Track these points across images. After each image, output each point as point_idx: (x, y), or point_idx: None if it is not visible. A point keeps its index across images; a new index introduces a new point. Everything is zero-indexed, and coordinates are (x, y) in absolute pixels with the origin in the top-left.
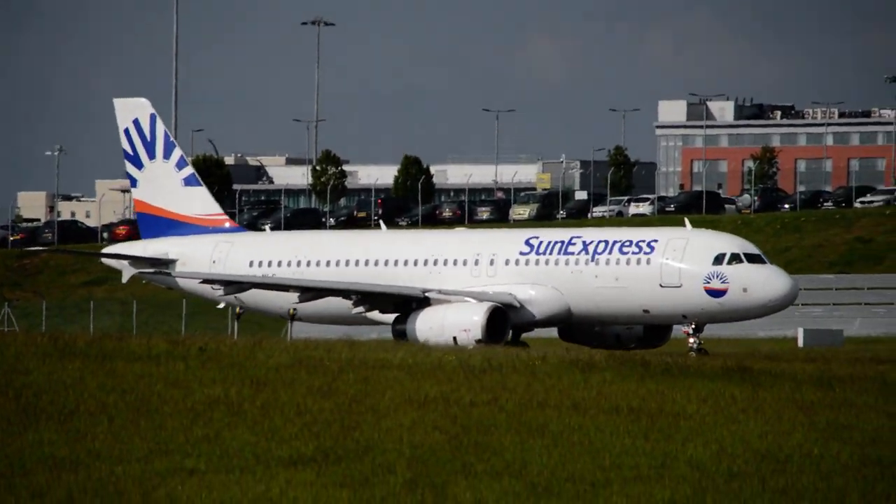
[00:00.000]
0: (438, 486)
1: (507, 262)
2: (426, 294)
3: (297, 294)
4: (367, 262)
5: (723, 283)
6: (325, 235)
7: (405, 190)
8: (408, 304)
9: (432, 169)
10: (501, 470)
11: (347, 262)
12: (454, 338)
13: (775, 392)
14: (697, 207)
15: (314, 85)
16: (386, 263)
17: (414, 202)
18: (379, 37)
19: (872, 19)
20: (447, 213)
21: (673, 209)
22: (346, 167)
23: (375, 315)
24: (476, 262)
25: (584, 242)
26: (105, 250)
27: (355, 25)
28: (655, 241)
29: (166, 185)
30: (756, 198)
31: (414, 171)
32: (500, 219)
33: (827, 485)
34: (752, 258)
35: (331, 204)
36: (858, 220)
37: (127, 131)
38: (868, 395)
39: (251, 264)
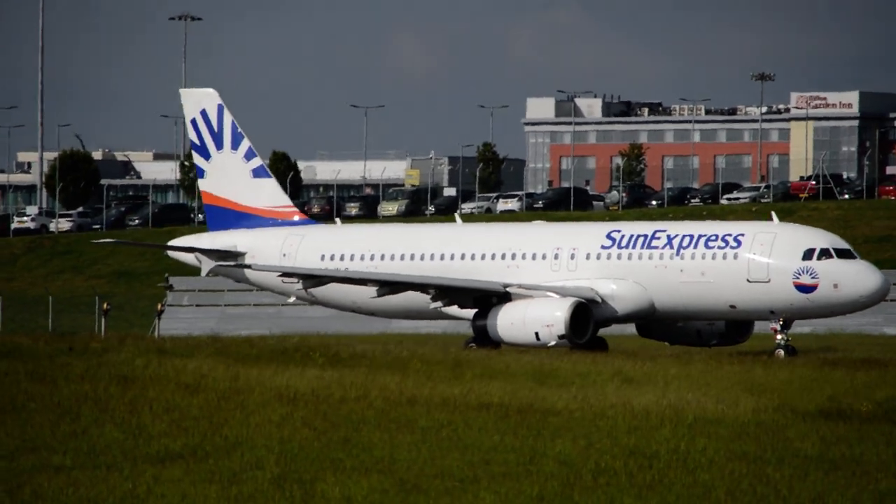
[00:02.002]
0: (307, 482)
1: (588, 257)
2: (507, 289)
3: (375, 288)
4: (442, 256)
5: (813, 278)
6: (399, 228)
7: None
8: (488, 298)
9: (301, 165)
10: (370, 466)
11: (423, 256)
12: (536, 333)
13: (646, 389)
14: (566, 204)
15: (181, 80)
16: (462, 257)
17: None
18: (247, 32)
19: (739, 18)
20: (315, 209)
21: (541, 206)
22: None
23: (454, 310)
24: (556, 256)
25: (668, 236)
26: (172, 242)
27: (223, 21)
28: (742, 234)
29: (234, 176)
30: (624, 194)
31: (282, 166)
32: (369, 214)
33: (693, 479)
34: (841, 253)
35: (198, 199)
36: (725, 216)
37: (194, 121)
38: (733, 391)
39: (322, 258)
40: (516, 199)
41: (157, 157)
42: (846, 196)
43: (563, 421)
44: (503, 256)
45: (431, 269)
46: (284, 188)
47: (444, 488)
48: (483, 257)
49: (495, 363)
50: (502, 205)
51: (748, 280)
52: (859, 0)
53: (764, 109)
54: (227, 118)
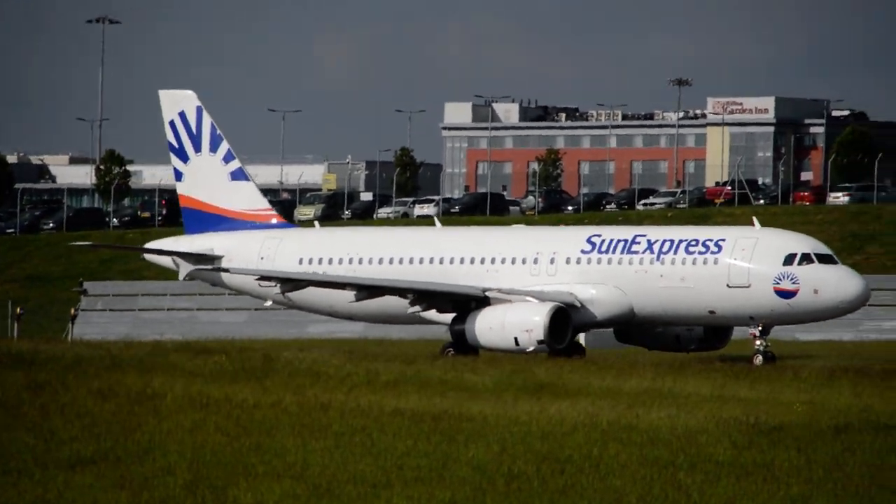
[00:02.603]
0: (219, 487)
1: (567, 261)
2: (486, 293)
3: (353, 292)
4: (422, 260)
5: (793, 283)
6: (378, 232)
7: None
8: (467, 303)
9: None
10: (282, 471)
11: (402, 260)
12: (515, 338)
13: (562, 399)
14: (482, 209)
15: (98, 83)
16: (442, 261)
17: None
18: (164, 36)
19: (657, 23)
20: None
21: (458, 210)
22: (130, 167)
23: (432, 315)
24: (535, 261)
25: (648, 241)
26: (149, 245)
27: (141, 24)
28: (723, 240)
29: (212, 179)
30: (540, 199)
31: None
32: (285, 219)
33: (605, 485)
34: (823, 258)
35: (114, 204)
36: (641, 221)
37: (172, 123)
38: (655, 405)
39: (300, 261)
40: (433, 203)
41: (74, 160)
42: (761, 202)
43: (477, 426)
44: (482, 261)
45: (410, 273)
46: None
47: (356, 493)
48: (462, 261)
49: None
50: (419, 210)
51: (728, 285)
52: (775, 7)
53: (681, 115)
54: (207, 120)
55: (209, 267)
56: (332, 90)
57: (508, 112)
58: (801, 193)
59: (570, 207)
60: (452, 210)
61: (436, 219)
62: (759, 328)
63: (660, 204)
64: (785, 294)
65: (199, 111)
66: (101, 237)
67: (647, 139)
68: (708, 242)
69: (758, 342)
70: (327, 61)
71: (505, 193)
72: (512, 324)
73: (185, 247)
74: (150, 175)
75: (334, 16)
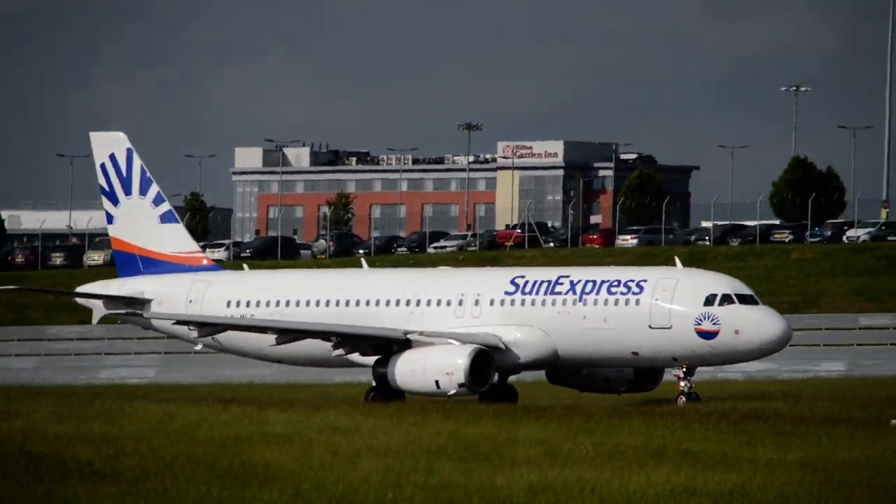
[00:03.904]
0: None
1: (491, 303)
2: (408, 336)
3: (274, 336)
4: (347, 303)
5: (714, 324)
6: (304, 275)
7: None
8: (389, 346)
9: (4, 214)
10: None
11: (328, 303)
12: (436, 381)
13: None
14: (273, 253)
15: None
16: (367, 303)
17: None
18: None
19: (446, 67)
20: (20, 259)
21: (249, 254)
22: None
23: (356, 357)
24: (460, 303)
25: (571, 282)
26: (79, 289)
27: None
28: (645, 280)
29: (142, 222)
30: (332, 243)
31: None
32: (74, 264)
33: None
34: (744, 299)
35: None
36: (434, 264)
37: (103, 166)
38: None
39: (228, 304)
40: (223, 248)
41: None
42: (551, 244)
43: (273, 472)
44: (407, 303)
45: (336, 316)
46: None
47: None
48: (388, 303)
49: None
50: (209, 254)
51: (650, 326)
52: (562, 52)
53: (471, 159)
54: (136, 162)
55: (122, 311)
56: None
57: (299, 156)
58: (591, 236)
59: (361, 251)
60: (243, 254)
61: (363, 261)
62: (683, 369)
63: (451, 247)
64: (706, 335)
65: (129, 153)
66: None
67: (437, 183)
68: (630, 283)
69: (682, 383)
70: (116, 105)
71: (296, 237)
72: (433, 367)
73: (115, 290)
74: (36, 220)
75: (121, 58)
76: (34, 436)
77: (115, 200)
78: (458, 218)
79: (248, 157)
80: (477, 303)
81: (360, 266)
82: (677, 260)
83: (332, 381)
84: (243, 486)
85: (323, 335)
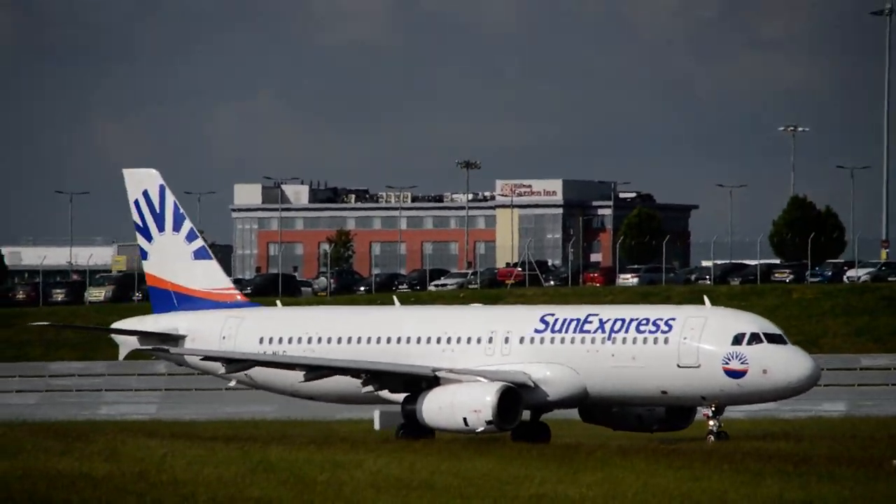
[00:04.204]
0: None
1: (521, 340)
2: (436, 373)
3: (303, 373)
4: (379, 340)
5: (742, 363)
6: (337, 311)
7: None
8: (418, 383)
9: (4, 250)
10: None
11: (360, 340)
12: (464, 419)
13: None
14: (274, 290)
15: None
16: (399, 341)
17: None
18: None
19: (445, 106)
20: (21, 295)
21: (249, 291)
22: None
23: (386, 394)
24: (490, 340)
25: (600, 320)
26: (115, 325)
27: None
28: (673, 319)
29: (176, 259)
30: (332, 280)
31: None
32: (75, 301)
33: None
34: (772, 338)
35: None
36: (434, 301)
37: (137, 203)
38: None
39: (261, 340)
40: None
41: None
42: (551, 283)
43: None
44: (438, 340)
45: (369, 353)
46: None
47: None
48: (419, 341)
49: None
50: None
51: (678, 365)
52: (560, 91)
53: (470, 197)
54: (170, 199)
55: (150, 347)
56: (120, 172)
57: (298, 194)
58: (591, 274)
59: (362, 288)
60: (244, 291)
61: (395, 297)
62: (712, 408)
63: (451, 285)
64: (734, 374)
65: (161, 190)
66: None
67: (437, 221)
68: (658, 321)
69: (711, 423)
70: (114, 143)
71: (296, 274)
72: (461, 404)
73: (151, 326)
74: (36, 256)
75: (116, 96)
76: (35, 475)
77: (148, 237)
78: (457, 255)
79: (247, 195)
80: (507, 340)
81: (392, 303)
82: (706, 298)
83: (334, 417)
84: None
85: (351, 372)
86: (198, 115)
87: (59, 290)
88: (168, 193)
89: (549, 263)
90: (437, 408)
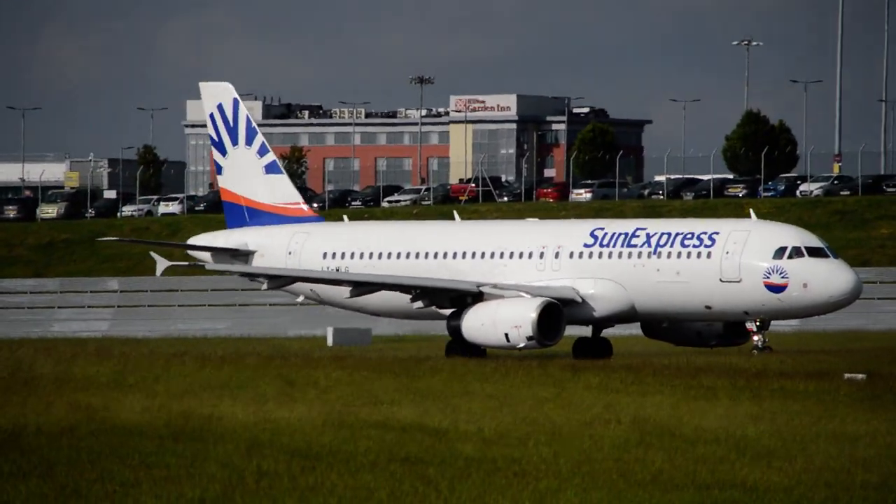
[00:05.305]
0: None
1: (571, 255)
2: (480, 288)
3: (345, 289)
4: (436, 255)
5: (783, 278)
6: (402, 226)
7: None
8: (464, 299)
9: None
10: (28, 470)
11: (418, 255)
12: (506, 334)
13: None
14: None
15: None
16: (455, 256)
17: None
18: None
19: (398, 21)
20: None
21: (203, 208)
22: None
23: (437, 310)
24: (541, 255)
25: (647, 234)
26: (190, 240)
27: None
28: (717, 233)
29: (248, 173)
30: None
31: None
32: (27, 217)
33: (355, 481)
34: (814, 252)
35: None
36: (387, 219)
37: (212, 116)
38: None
39: (325, 255)
40: (177, 201)
41: None
42: (505, 198)
43: (229, 425)
44: (492, 255)
45: (426, 268)
46: None
47: (104, 492)
48: (474, 255)
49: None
50: (163, 207)
51: (721, 280)
52: (513, 6)
53: (424, 113)
54: (243, 112)
55: (184, 264)
56: (72, 87)
57: (252, 110)
58: (545, 190)
59: (315, 204)
60: (197, 208)
61: (455, 213)
62: (757, 323)
63: (405, 201)
64: (775, 289)
65: (235, 103)
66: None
67: (390, 137)
68: (702, 235)
69: (755, 338)
70: (67, 57)
71: None
72: (502, 320)
73: (222, 242)
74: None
75: (70, 10)
76: None
77: (223, 151)
78: (411, 172)
79: (201, 111)
80: (557, 255)
81: (453, 218)
82: (752, 212)
83: (286, 334)
84: (199, 440)
85: (395, 288)
86: (152, 31)
87: (10, 207)
88: (241, 107)
89: (503, 179)
90: (480, 324)
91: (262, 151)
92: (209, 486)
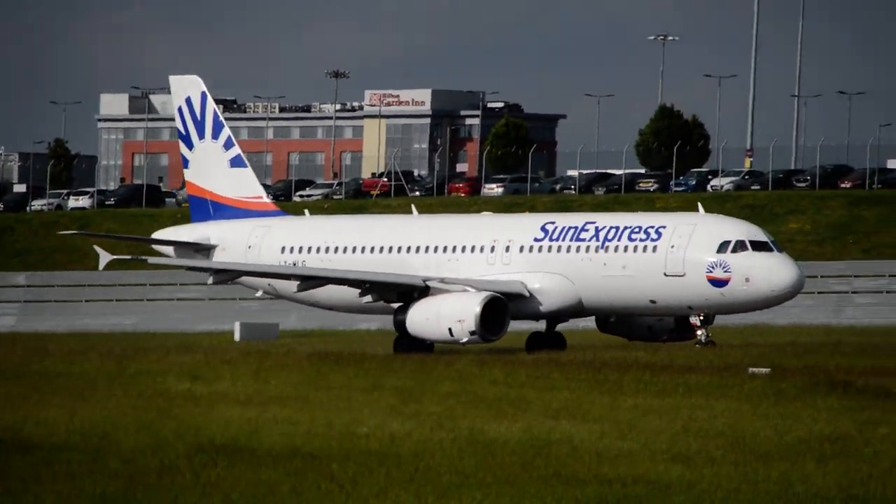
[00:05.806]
0: None
1: (521, 249)
2: (426, 282)
3: (296, 283)
4: (391, 249)
5: (725, 272)
6: (356, 221)
7: None
8: (410, 293)
9: None
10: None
11: (373, 249)
12: (449, 329)
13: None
14: (138, 201)
15: None
16: (409, 250)
17: None
18: None
19: (315, 15)
20: None
21: (113, 202)
22: None
23: (384, 305)
24: (492, 249)
25: (596, 228)
26: (154, 235)
27: None
28: (664, 227)
29: (213, 167)
30: None
31: None
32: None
33: (258, 477)
34: (757, 245)
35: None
36: (299, 212)
37: (180, 109)
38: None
39: (283, 250)
40: (88, 195)
41: None
42: (417, 193)
43: (133, 419)
44: (444, 249)
45: (378, 263)
46: None
47: (4, 488)
48: (427, 250)
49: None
50: (73, 201)
51: (665, 274)
52: (430, 1)
53: (338, 107)
54: (210, 106)
55: (128, 257)
56: None
57: (165, 104)
58: (457, 185)
59: None
60: (108, 202)
61: (413, 206)
62: (701, 317)
63: (317, 195)
64: (717, 283)
65: (203, 97)
66: None
67: (304, 131)
68: (649, 229)
69: (699, 332)
70: None
71: (161, 185)
72: (446, 314)
73: (186, 236)
74: None
75: None
76: None
77: (189, 144)
78: (324, 166)
79: (114, 105)
80: (507, 249)
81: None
82: (700, 205)
83: (194, 329)
84: (102, 435)
85: (342, 282)
86: (67, 25)
87: None
88: (209, 101)
89: (416, 174)
90: (424, 318)
91: (228, 145)
92: (111, 481)
